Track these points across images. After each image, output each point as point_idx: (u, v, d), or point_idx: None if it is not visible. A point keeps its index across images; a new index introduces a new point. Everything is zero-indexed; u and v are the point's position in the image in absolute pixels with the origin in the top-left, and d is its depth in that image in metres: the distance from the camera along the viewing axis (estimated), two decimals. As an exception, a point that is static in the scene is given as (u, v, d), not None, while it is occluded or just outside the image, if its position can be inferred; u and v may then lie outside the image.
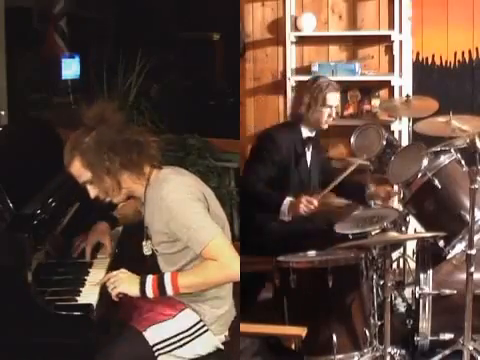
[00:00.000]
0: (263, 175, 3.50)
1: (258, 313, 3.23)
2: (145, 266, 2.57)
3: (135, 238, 2.63)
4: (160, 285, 2.32)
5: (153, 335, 2.42)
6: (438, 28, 4.40)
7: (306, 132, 3.64)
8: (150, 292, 2.33)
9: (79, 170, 2.39)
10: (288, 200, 3.42)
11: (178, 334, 2.44)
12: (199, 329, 2.46)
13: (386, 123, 4.29)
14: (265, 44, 4.70)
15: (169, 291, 2.33)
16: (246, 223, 3.64)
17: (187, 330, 2.45)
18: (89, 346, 2.27)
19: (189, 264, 2.43)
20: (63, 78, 5.86)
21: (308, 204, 3.36)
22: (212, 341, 2.49)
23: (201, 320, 2.47)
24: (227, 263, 2.29)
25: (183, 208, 2.33)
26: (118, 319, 2.55)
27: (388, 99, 4.46)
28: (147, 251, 2.53)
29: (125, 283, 2.35)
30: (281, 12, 4.61)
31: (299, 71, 4.53)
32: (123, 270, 2.40)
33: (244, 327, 2.61)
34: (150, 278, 2.34)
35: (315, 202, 3.37)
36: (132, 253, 2.68)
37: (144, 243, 2.53)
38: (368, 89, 4.53)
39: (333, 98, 3.61)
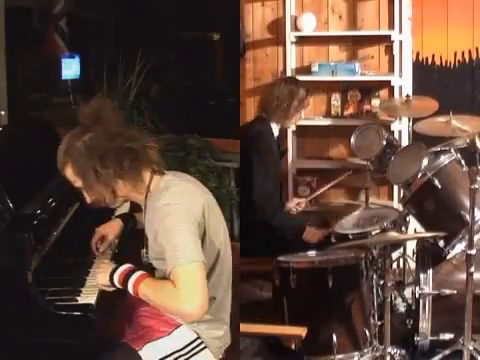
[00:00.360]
0: (275, 193, 3.54)
1: (258, 313, 3.24)
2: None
3: (135, 242, 2.62)
4: (125, 281, 2.22)
5: (149, 354, 2.32)
6: (438, 28, 4.40)
7: (275, 130, 3.68)
8: (116, 281, 2.24)
9: (72, 176, 2.33)
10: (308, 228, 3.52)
11: (174, 353, 2.34)
12: (195, 347, 2.36)
13: (386, 123, 4.29)
14: (265, 44, 4.70)
15: (130, 291, 2.22)
16: (247, 224, 3.64)
17: (183, 348, 2.35)
18: (89, 346, 2.27)
19: None
20: (63, 78, 5.86)
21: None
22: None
23: (198, 337, 2.37)
24: (183, 297, 2.09)
25: (173, 222, 2.20)
26: (111, 333, 2.46)
27: (388, 99, 4.46)
28: (146, 260, 2.45)
29: (101, 273, 2.31)
30: (281, 12, 4.61)
31: (299, 71, 4.53)
32: (106, 261, 2.37)
33: (244, 327, 2.61)
34: (122, 269, 2.25)
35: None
36: (131, 256, 2.66)
37: (143, 251, 2.44)
38: (368, 89, 4.53)
39: None
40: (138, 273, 2.23)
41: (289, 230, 3.51)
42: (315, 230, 3.53)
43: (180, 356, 2.35)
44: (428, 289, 3.14)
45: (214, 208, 2.41)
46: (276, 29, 4.65)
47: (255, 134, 3.60)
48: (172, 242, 2.16)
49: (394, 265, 4.00)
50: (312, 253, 3.23)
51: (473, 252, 2.91)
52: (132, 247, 2.68)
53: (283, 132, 3.84)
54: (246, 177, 3.52)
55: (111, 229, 2.74)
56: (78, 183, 2.33)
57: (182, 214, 2.22)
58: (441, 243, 3.18)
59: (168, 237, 2.18)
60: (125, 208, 2.92)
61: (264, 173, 3.49)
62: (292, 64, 4.56)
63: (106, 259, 2.64)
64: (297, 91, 3.67)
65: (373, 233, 3.14)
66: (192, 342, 2.37)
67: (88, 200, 2.37)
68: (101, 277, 2.30)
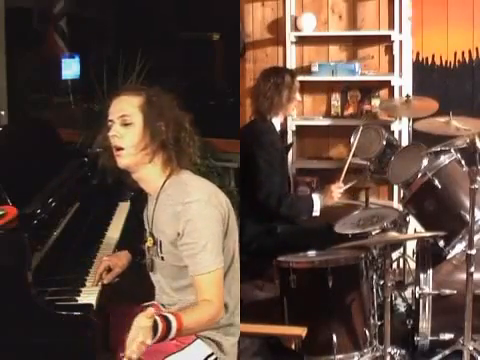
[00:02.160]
0: (280, 182, 3.48)
1: (258, 313, 3.23)
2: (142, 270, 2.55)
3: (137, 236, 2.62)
4: (167, 331, 2.03)
5: None
6: (438, 28, 4.40)
7: (277, 125, 3.62)
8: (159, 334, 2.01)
9: (132, 107, 2.28)
10: (317, 196, 3.45)
11: None
12: None
13: (386, 123, 4.29)
14: (265, 44, 4.70)
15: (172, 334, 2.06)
16: (248, 225, 3.63)
17: None
18: (89, 346, 2.27)
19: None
20: (63, 78, 5.85)
21: (339, 189, 3.45)
22: None
23: (213, 353, 2.33)
24: (218, 305, 2.17)
25: (202, 224, 2.20)
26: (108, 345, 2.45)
27: (388, 99, 4.46)
28: (152, 255, 2.41)
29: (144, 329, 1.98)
30: (281, 12, 4.61)
31: (299, 71, 4.52)
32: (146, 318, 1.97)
33: (244, 327, 2.60)
34: (160, 327, 2.01)
35: (342, 184, 3.47)
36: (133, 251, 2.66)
37: (149, 245, 2.40)
38: (368, 89, 4.54)
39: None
40: (174, 320, 2.05)
41: (300, 210, 3.46)
42: (330, 190, 3.47)
43: None
44: (428, 289, 3.13)
45: (232, 209, 2.40)
46: (276, 29, 4.66)
47: (257, 133, 3.54)
48: (199, 245, 2.18)
49: (394, 265, 4.00)
50: (312, 253, 3.22)
51: (473, 252, 2.91)
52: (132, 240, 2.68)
53: (284, 129, 3.81)
54: (250, 177, 3.48)
55: (119, 261, 2.58)
56: (128, 117, 2.27)
57: (213, 213, 2.23)
58: (441, 243, 3.18)
59: (194, 238, 2.19)
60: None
61: (268, 170, 3.43)
62: (292, 64, 4.56)
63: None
64: (282, 81, 3.55)
65: (373, 233, 3.14)
66: (207, 358, 2.34)
67: (117, 142, 2.29)
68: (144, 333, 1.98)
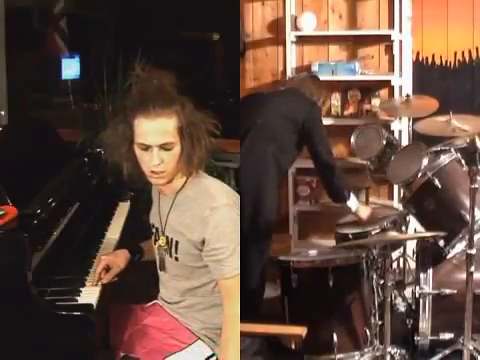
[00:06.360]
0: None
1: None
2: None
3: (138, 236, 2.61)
4: None
5: None
6: (438, 28, 4.40)
7: None
8: None
9: (172, 132, 2.23)
10: (356, 201, 3.45)
11: None
12: None
13: (386, 123, 4.29)
14: (265, 44, 4.70)
15: None
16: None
17: None
18: (89, 346, 2.26)
19: (208, 284, 2.33)
20: (63, 78, 5.86)
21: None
22: None
23: (214, 354, 2.34)
24: (238, 308, 2.22)
25: (231, 228, 2.21)
26: (121, 349, 2.46)
27: (388, 99, 4.46)
28: (163, 255, 2.40)
29: None
30: (281, 12, 4.61)
31: (299, 71, 4.52)
32: None
33: (244, 327, 2.60)
34: None
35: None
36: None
37: (160, 244, 2.39)
38: (368, 89, 4.53)
39: None
40: None
41: (344, 184, 3.47)
42: (366, 211, 3.51)
43: None
44: (428, 289, 3.14)
45: None
46: (276, 29, 4.66)
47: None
48: (227, 250, 2.19)
49: (394, 265, 4.00)
50: (313, 253, 3.23)
51: (473, 252, 2.91)
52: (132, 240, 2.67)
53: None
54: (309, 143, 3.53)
55: (118, 260, 2.56)
56: (173, 138, 2.24)
57: (237, 216, 2.24)
58: (441, 243, 3.18)
59: (221, 243, 2.19)
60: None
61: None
62: (292, 64, 4.56)
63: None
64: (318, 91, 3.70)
65: (373, 233, 3.14)
66: (209, 357, 2.35)
67: (159, 182, 2.29)
68: None
